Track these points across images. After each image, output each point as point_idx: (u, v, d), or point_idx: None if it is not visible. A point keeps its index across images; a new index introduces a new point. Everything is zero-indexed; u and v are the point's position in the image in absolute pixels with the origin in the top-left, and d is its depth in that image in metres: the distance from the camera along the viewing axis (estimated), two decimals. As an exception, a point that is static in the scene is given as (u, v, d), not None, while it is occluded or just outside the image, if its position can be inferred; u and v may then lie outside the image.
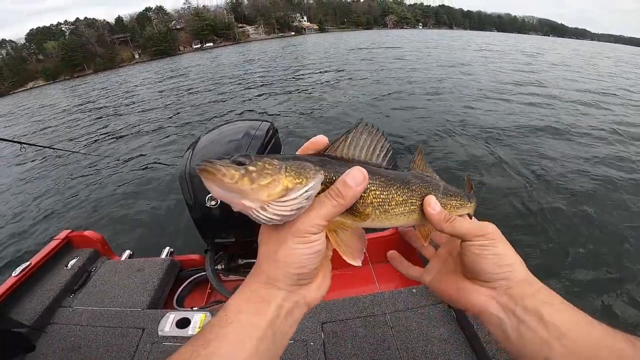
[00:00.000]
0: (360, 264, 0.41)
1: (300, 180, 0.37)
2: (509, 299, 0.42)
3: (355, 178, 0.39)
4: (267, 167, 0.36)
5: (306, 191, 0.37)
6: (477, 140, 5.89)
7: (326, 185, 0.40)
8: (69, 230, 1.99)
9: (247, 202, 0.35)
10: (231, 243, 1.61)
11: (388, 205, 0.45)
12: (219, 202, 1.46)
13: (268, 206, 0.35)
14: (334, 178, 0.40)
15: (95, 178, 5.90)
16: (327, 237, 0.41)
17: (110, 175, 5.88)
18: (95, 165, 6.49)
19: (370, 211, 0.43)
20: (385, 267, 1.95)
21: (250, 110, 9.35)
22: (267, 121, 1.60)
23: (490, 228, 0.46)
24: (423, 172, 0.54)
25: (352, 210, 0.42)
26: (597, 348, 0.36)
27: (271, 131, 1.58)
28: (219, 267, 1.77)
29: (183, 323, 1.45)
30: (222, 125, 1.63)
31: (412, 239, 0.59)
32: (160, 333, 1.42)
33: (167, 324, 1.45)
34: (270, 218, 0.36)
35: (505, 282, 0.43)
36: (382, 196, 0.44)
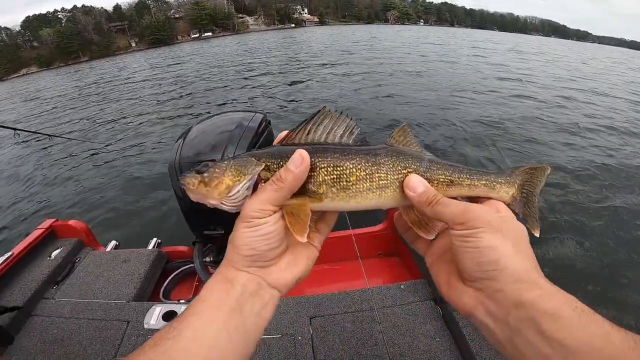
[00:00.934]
0: (305, 240, 0.41)
1: (239, 177, 0.43)
2: (498, 305, 0.35)
3: (294, 161, 0.41)
4: (215, 171, 0.44)
5: (244, 184, 0.43)
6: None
7: (274, 171, 0.44)
8: (53, 220, 1.94)
9: (211, 201, 0.44)
10: (220, 235, 1.58)
11: (346, 181, 0.43)
12: (208, 193, 1.43)
13: (223, 201, 0.43)
14: (281, 163, 0.43)
15: (83, 166, 5.78)
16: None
17: (98, 164, 5.77)
18: (84, 154, 6.35)
19: (326, 189, 0.44)
20: (374, 262, 1.95)
21: (244, 102, 9.27)
22: (260, 112, 1.56)
23: (475, 212, 0.38)
24: (404, 146, 0.49)
25: (307, 192, 0.44)
26: None
27: (264, 123, 1.54)
28: (208, 259, 1.74)
29: (170, 316, 1.43)
30: (214, 115, 1.58)
31: (406, 234, 0.51)
32: (146, 326, 1.40)
33: (153, 317, 1.43)
34: (230, 209, 0.44)
35: (491, 282, 0.36)
36: (335, 172, 0.43)
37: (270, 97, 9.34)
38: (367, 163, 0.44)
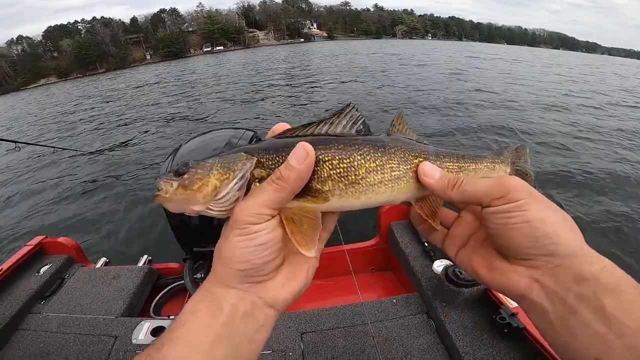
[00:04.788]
0: (314, 255, 0.36)
1: (227, 175, 0.37)
2: (557, 281, 0.32)
3: (297, 156, 0.35)
4: (198, 172, 0.38)
5: (235, 183, 0.37)
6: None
7: (270, 168, 0.38)
8: (42, 237, 1.93)
9: (194, 207, 0.38)
10: (210, 252, 1.57)
11: (355, 175, 0.39)
12: (197, 211, 1.43)
13: (210, 206, 0.37)
14: (277, 159, 0.38)
15: (77, 182, 5.69)
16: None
17: (92, 180, 5.70)
18: (77, 169, 6.31)
19: (332, 186, 0.38)
20: (366, 277, 1.95)
21: (246, 118, 9.30)
22: (250, 130, 1.57)
23: (512, 183, 0.35)
24: (406, 136, 0.47)
25: (310, 191, 0.38)
26: None
27: (254, 140, 1.55)
28: (199, 275, 1.73)
29: (158, 331, 1.41)
30: (204, 133, 1.60)
31: (420, 227, 0.48)
32: (134, 341, 1.38)
33: (142, 333, 1.41)
34: (218, 214, 0.38)
35: (550, 258, 0.32)
36: (342, 165, 0.38)
37: (273, 113, 9.38)
38: (377, 153, 0.40)
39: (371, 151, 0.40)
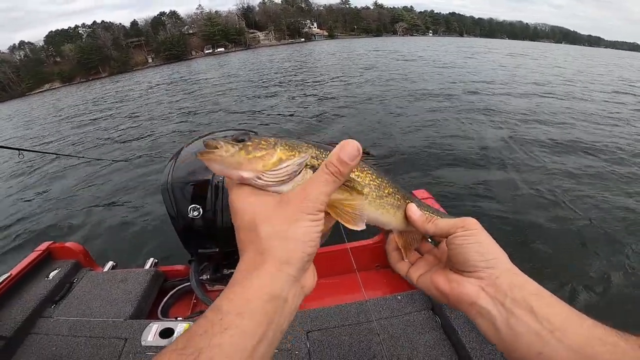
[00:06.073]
0: (364, 227, 0.44)
1: (294, 153, 0.41)
2: (497, 289, 0.41)
3: (350, 153, 0.39)
4: (262, 143, 0.41)
5: (297, 160, 0.41)
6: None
7: (320, 161, 0.43)
8: (50, 242, 1.96)
9: (244, 173, 0.40)
10: (215, 253, 1.60)
11: (382, 191, 0.49)
12: (201, 212, 1.45)
13: (263, 175, 0.40)
14: (323, 155, 0.43)
15: (82, 187, 5.78)
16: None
17: (95, 185, 5.76)
18: (80, 174, 6.41)
19: (368, 192, 0.47)
20: (371, 274, 1.96)
21: (248, 119, 9.37)
22: (252, 131, 1.59)
23: (470, 220, 0.48)
24: None
25: (350, 189, 0.45)
26: (591, 341, 0.34)
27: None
28: (205, 277, 1.75)
29: (167, 333, 1.43)
30: (205, 135, 1.62)
31: (391, 255, 0.59)
32: (143, 343, 1.40)
33: (151, 334, 1.43)
34: (265, 184, 0.41)
35: (492, 271, 0.43)
36: (377, 181, 0.48)
37: (276, 114, 9.43)
38: (391, 183, 0.51)
39: (391, 181, 0.51)
